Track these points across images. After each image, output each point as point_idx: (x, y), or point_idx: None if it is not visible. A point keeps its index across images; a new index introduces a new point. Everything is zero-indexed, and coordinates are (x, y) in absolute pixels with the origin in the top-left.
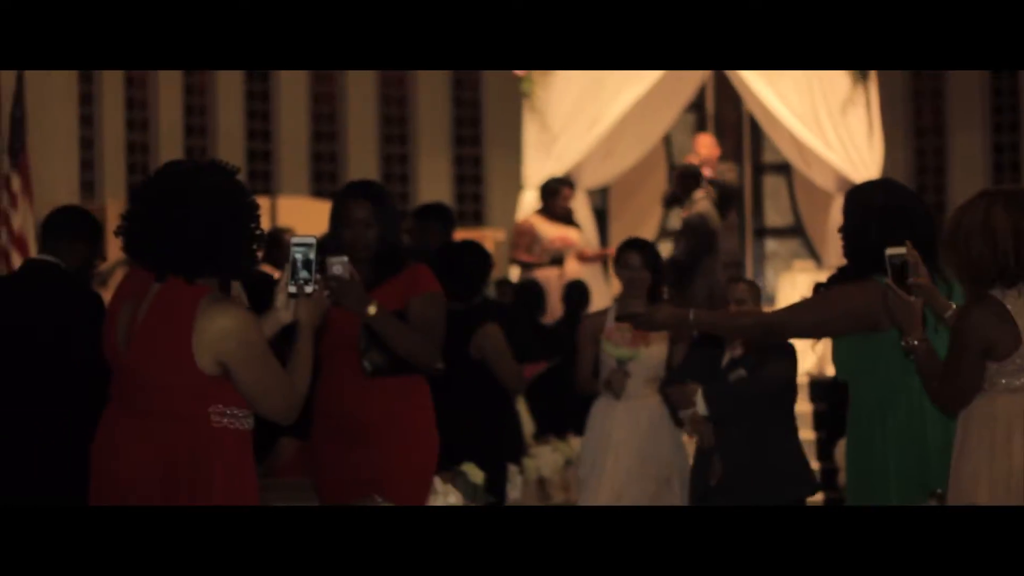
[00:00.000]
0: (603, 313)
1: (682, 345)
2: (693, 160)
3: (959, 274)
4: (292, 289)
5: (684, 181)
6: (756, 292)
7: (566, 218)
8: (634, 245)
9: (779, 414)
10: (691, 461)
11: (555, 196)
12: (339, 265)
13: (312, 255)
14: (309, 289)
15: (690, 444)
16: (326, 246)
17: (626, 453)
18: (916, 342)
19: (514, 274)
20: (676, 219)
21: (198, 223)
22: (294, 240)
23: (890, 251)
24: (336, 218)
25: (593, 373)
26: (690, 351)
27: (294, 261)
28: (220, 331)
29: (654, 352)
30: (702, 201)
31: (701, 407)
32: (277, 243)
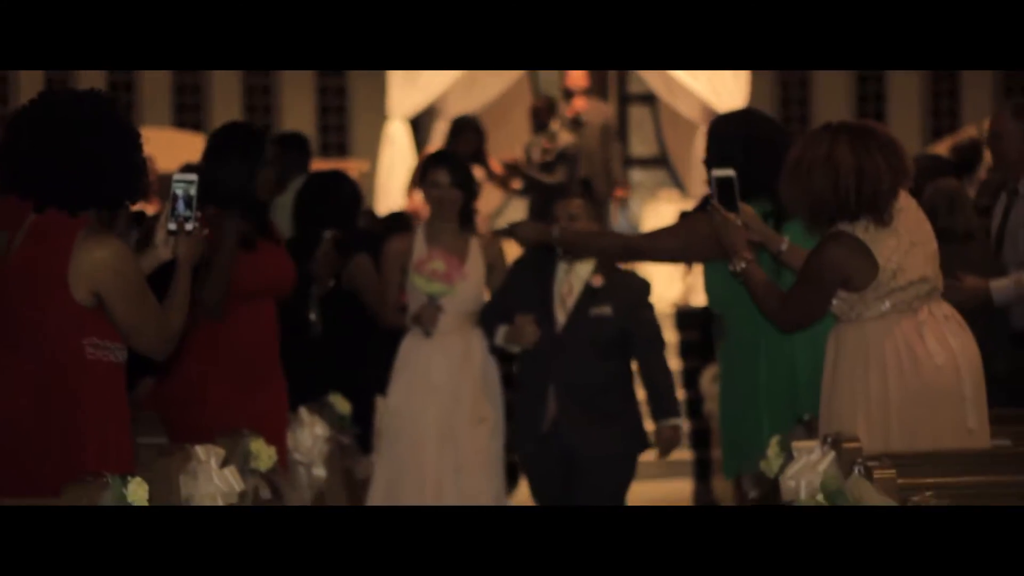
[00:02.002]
0: (409, 237)
1: (499, 271)
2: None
3: (797, 207)
4: (172, 226)
5: (538, 114)
6: (589, 210)
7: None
8: (441, 160)
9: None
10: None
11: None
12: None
13: (193, 191)
14: (189, 227)
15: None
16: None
17: (449, 395)
18: (744, 264)
19: (382, 205)
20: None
21: (80, 154)
22: (175, 176)
23: (716, 172)
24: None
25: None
26: (513, 272)
27: (174, 197)
28: (97, 261)
29: (471, 284)
30: (563, 132)
31: (532, 337)
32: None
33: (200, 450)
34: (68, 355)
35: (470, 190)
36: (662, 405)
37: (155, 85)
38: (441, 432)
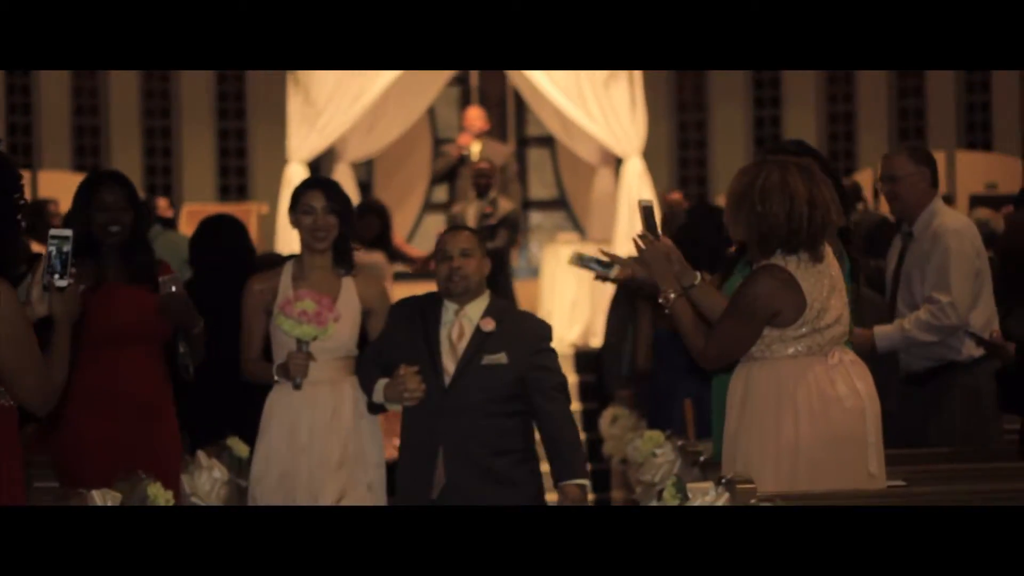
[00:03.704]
0: (274, 276)
1: (380, 317)
2: (463, 138)
3: (745, 232)
4: (45, 282)
5: (482, 176)
6: (482, 246)
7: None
8: (315, 184)
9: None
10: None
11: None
12: (171, 283)
13: (67, 248)
14: (63, 283)
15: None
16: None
17: (320, 455)
18: (673, 294)
19: (284, 248)
20: (441, 193)
21: None
22: (51, 232)
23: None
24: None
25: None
26: (394, 316)
27: (49, 254)
28: None
29: (345, 326)
30: (503, 199)
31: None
32: (40, 214)
33: (96, 495)
34: None
35: (347, 219)
36: (567, 465)
37: (53, 127)
38: (313, 498)
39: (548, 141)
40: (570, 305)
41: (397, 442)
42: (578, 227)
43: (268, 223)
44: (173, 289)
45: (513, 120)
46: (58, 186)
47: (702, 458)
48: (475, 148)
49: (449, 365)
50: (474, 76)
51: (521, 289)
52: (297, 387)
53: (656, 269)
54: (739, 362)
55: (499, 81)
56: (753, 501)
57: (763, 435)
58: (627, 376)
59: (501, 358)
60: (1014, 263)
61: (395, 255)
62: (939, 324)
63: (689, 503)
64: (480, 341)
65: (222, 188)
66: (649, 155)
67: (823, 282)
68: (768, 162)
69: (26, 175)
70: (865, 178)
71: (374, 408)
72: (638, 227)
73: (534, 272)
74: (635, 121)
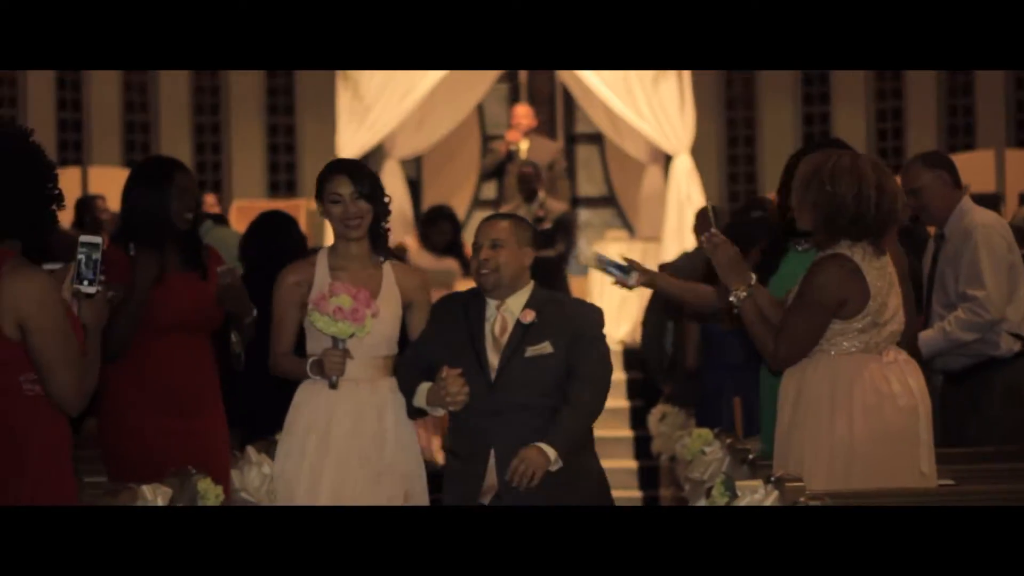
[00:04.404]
0: (308, 267)
1: (421, 311)
2: (511, 134)
3: (813, 213)
4: (76, 288)
5: (526, 181)
6: (520, 236)
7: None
8: (340, 168)
9: None
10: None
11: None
12: (228, 275)
13: (96, 255)
14: (92, 290)
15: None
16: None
17: (351, 457)
18: (744, 293)
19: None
20: (490, 190)
21: None
22: (81, 239)
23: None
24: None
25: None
26: (437, 313)
27: (79, 262)
28: (19, 292)
29: (384, 323)
30: (551, 200)
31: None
32: (89, 209)
33: (147, 490)
34: (7, 393)
35: (380, 203)
36: (554, 430)
37: (103, 123)
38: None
39: (597, 138)
40: (619, 302)
41: (437, 443)
42: (627, 224)
43: (317, 219)
44: (230, 280)
45: (562, 117)
46: (108, 182)
47: (751, 456)
48: (523, 145)
49: (494, 361)
50: (523, 73)
51: (570, 286)
52: (333, 386)
53: (726, 269)
54: None
55: (548, 78)
56: (802, 500)
57: (817, 431)
58: (668, 370)
59: (545, 347)
60: None
61: (467, 262)
62: (979, 320)
63: (738, 501)
64: (521, 333)
65: (271, 184)
66: (698, 152)
67: (884, 277)
68: (831, 152)
69: (76, 171)
70: None
71: (414, 412)
72: (687, 224)
73: (583, 270)
74: (684, 118)
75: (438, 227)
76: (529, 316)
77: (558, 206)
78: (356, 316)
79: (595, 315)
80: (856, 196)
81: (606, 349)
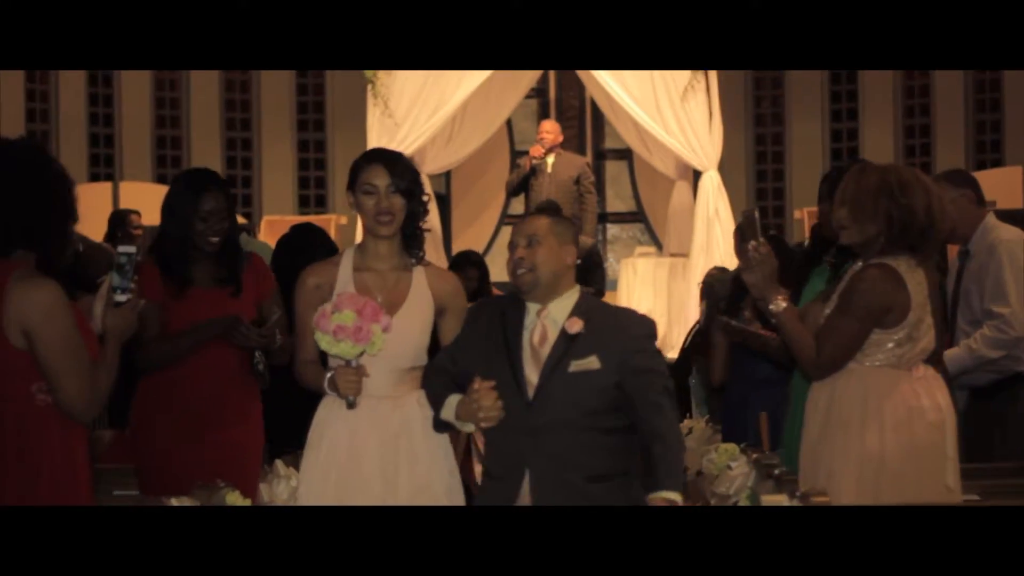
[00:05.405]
0: (331, 267)
1: (455, 318)
2: (535, 149)
3: (877, 221)
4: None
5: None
6: (561, 234)
7: None
8: (376, 157)
9: None
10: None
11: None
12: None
13: (130, 265)
14: (122, 298)
15: None
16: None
17: (382, 486)
18: (784, 303)
19: None
20: (519, 205)
21: (9, 197)
22: (119, 248)
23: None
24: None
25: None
26: (470, 320)
27: (113, 272)
28: (25, 301)
29: (411, 331)
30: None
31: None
32: (121, 224)
33: (174, 503)
34: (19, 402)
35: (418, 201)
36: (663, 473)
37: (134, 138)
38: None
39: (626, 154)
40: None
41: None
42: (655, 240)
43: (347, 234)
44: (268, 341)
45: (591, 133)
46: (139, 196)
47: (777, 471)
48: (549, 159)
49: (532, 375)
50: (552, 88)
51: None
52: (351, 406)
53: (766, 278)
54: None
55: (577, 94)
56: None
57: (847, 444)
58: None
59: (592, 363)
60: None
61: None
62: (1004, 338)
63: None
64: (565, 345)
65: (301, 199)
66: (726, 168)
67: (922, 292)
68: (891, 165)
69: (107, 186)
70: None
71: (440, 426)
72: (715, 240)
73: (612, 285)
74: (712, 134)
75: (465, 274)
76: (576, 325)
77: (584, 240)
78: (359, 335)
79: (648, 325)
80: (927, 208)
81: (663, 361)
